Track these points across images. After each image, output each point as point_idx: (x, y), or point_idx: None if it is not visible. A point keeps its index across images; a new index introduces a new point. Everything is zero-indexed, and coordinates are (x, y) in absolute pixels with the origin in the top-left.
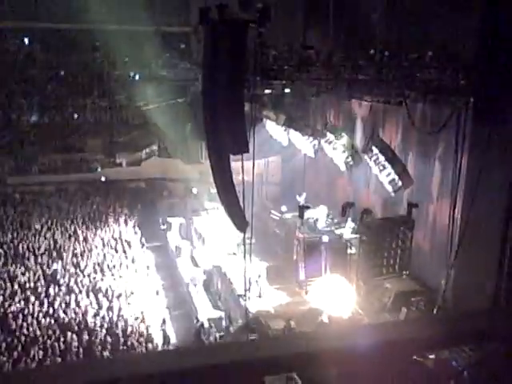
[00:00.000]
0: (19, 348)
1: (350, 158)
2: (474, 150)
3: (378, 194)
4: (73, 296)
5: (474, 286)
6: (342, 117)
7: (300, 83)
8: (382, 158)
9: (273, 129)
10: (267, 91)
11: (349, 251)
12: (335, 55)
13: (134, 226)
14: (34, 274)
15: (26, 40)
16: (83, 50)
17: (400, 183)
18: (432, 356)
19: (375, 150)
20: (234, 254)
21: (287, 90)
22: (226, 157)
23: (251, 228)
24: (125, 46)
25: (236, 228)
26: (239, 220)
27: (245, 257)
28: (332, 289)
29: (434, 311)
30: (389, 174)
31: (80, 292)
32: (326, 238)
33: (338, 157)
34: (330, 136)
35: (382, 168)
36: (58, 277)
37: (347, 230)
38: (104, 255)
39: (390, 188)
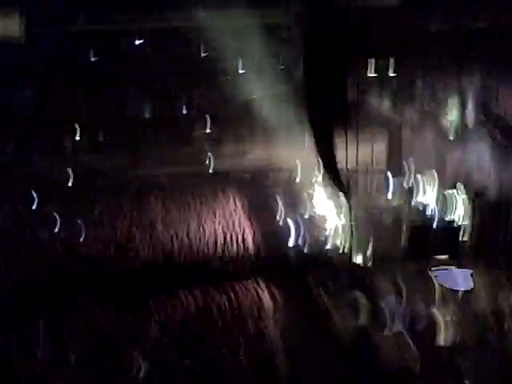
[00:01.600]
0: None
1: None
2: None
3: (492, 173)
4: None
5: None
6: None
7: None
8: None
9: None
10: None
11: (460, 238)
12: None
13: (241, 208)
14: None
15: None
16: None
17: None
18: None
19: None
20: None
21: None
22: (329, 138)
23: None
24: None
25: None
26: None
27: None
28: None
29: None
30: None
31: None
32: (434, 224)
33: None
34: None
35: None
36: None
37: (459, 214)
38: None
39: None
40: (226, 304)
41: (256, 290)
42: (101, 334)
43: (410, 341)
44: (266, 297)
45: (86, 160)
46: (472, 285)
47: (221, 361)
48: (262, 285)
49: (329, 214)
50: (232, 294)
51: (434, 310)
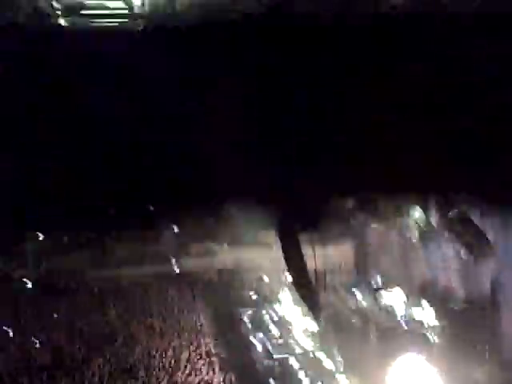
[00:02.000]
0: None
1: (424, 230)
2: None
3: (458, 274)
4: None
5: None
6: None
7: None
8: (459, 227)
9: None
10: None
11: (431, 338)
12: None
13: (206, 318)
14: (110, 363)
15: None
16: None
17: (481, 252)
18: None
19: (452, 220)
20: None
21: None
22: (296, 236)
23: (325, 316)
24: None
25: (310, 312)
26: (313, 304)
27: (321, 346)
28: (414, 378)
29: None
30: (468, 244)
31: None
32: (404, 325)
33: (411, 230)
34: None
35: (459, 236)
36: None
37: (427, 316)
38: (181, 350)
39: (469, 258)
40: None
41: None
42: None
43: None
44: None
45: (47, 260)
46: None
47: None
48: None
49: (297, 317)
50: None
51: None
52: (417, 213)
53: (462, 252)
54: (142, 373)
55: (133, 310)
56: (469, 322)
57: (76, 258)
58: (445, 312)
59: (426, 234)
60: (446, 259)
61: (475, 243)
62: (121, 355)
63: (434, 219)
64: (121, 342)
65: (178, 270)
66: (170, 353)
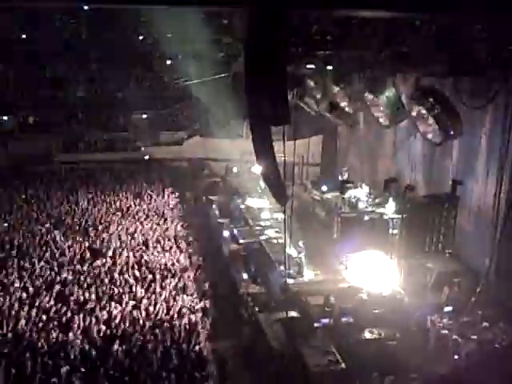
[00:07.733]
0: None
1: (395, 112)
2: None
3: (421, 171)
4: (117, 268)
5: None
6: None
7: (343, 57)
8: (432, 104)
9: None
10: (309, 66)
11: (390, 231)
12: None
13: (176, 203)
14: (80, 247)
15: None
16: (127, 28)
17: (452, 131)
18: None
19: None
20: (276, 231)
21: (329, 67)
22: (267, 129)
23: (291, 207)
24: (168, 23)
25: (276, 201)
26: (280, 193)
27: (285, 234)
28: (372, 266)
29: (477, 292)
30: (439, 118)
31: (126, 264)
32: (367, 217)
33: (382, 111)
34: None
35: (431, 113)
36: (104, 250)
37: (389, 209)
38: (148, 230)
39: (439, 138)
40: None
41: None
42: None
43: None
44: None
45: (14, 144)
46: None
47: None
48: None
49: (263, 207)
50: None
51: None
52: (390, 91)
53: (434, 136)
54: (109, 252)
55: (102, 192)
56: (427, 216)
57: (45, 143)
58: (405, 205)
59: (396, 118)
60: (412, 154)
61: (446, 118)
62: (90, 236)
63: (404, 96)
64: (89, 223)
65: (147, 157)
66: (138, 234)
